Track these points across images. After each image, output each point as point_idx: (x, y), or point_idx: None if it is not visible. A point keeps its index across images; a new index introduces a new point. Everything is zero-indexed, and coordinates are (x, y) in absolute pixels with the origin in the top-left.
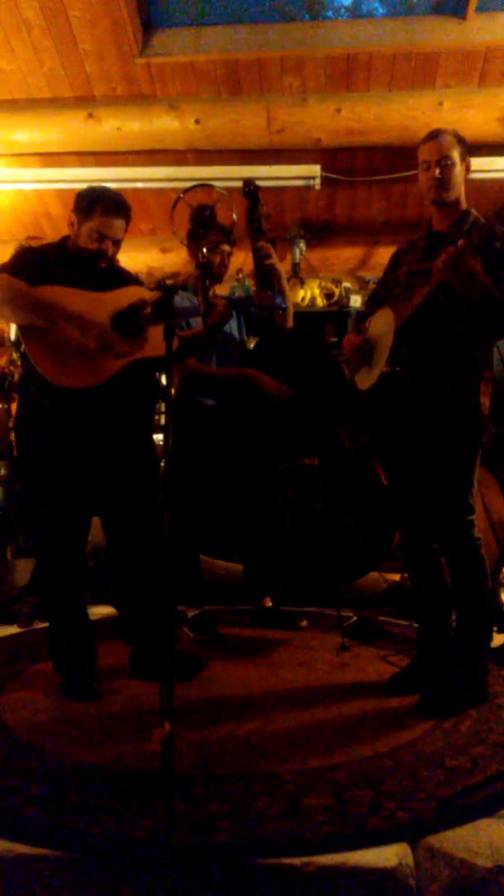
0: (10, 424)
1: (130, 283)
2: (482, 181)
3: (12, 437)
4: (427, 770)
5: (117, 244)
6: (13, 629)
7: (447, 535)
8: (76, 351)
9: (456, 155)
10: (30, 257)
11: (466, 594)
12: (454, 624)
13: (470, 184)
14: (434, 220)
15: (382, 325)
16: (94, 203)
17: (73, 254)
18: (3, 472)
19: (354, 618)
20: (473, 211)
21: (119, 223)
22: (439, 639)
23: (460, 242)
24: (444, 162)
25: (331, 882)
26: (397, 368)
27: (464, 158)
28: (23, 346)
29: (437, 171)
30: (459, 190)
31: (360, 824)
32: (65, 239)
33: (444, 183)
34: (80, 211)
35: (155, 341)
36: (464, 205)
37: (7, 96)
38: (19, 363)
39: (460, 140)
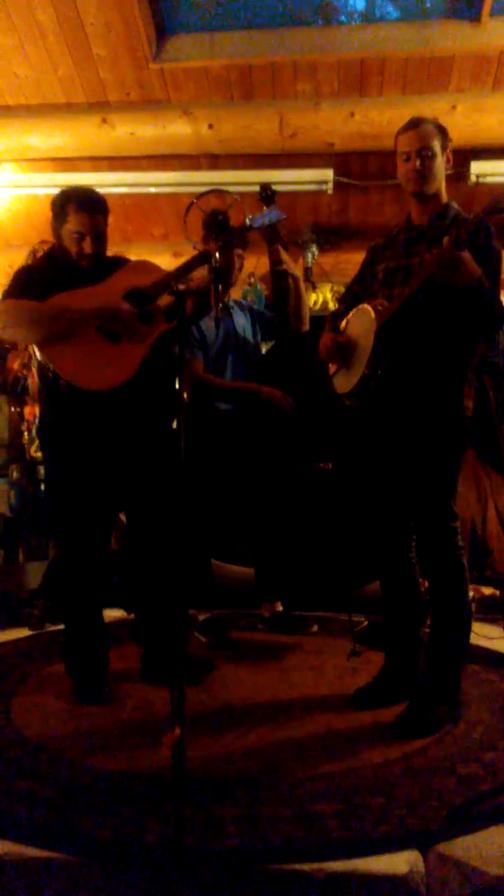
0: (23, 428)
1: (121, 265)
2: (493, 185)
3: (25, 440)
4: (438, 777)
5: (100, 239)
6: (24, 632)
7: (429, 543)
8: (99, 351)
9: (437, 145)
10: (25, 276)
11: (446, 604)
12: (427, 637)
13: (482, 188)
14: (413, 213)
15: (362, 324)
16: (65, 204)
17: (62, 260)
18: (15, 475)
19: (365, 623)
20: (454, 204)
21: (94, 217)
22: (409, 652)
23: (446, 240)
24: (424, 152)
25: (341, 889)
26: (379, 371)
27: (445, 149)
28: (51, 366)
29: (418, 162)
30: (440, 182)
31: (371, 831)
32: (51, 249)
33: (424, 175)
34: (55, 216)
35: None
36: (444, 198)
37: (22, 101)
38: (35, 370)
39: (442, 130)
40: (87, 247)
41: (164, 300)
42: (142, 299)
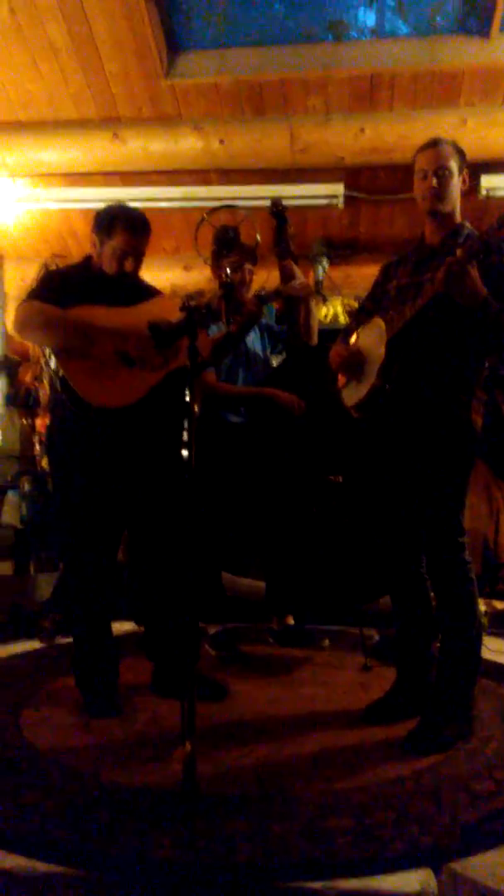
0: (35, 440)
1: (153, 294)
2: (503, 199)
3: (36, 451)
4: (451, 793)
5: (140, 259)
6: (35, 644)
7: (437, 557)
8: (112, 369)
9: (454, 165)
10: (55, 280)
11: (455, 619)
12: (438, 652)
13: (493, 202)
14: (427, 232)
15: (373, 337)
16: (113, 221)
17: (97, 273)
18: (27, 487)
19: (377, 637)
20: (467, 224)
21: (140, 239)
22: (421, 667)
23: (459, 252)
24: (441, 172)
25: None
26: (387, 386)
27: (461, 170)
28: (61, 371)
29: (435, 180)
30: (455, 202)
31: (383, 848)
32: (88, 258)
33: (440, 194)
34: (101, 231)
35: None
36: (458, 218)
37: (34, 117)
38: (46, 382)
39: (459, 151)
40: (129, 265)
41: (176, 315)
42: (163, 333)
